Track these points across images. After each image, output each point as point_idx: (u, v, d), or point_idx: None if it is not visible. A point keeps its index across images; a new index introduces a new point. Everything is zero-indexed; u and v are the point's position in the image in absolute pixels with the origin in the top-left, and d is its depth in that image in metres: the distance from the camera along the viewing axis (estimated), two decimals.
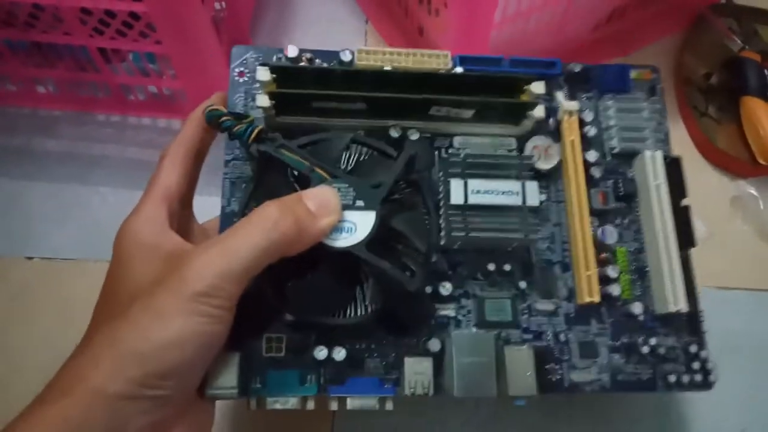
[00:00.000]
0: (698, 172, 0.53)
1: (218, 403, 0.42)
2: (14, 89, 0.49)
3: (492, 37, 0.42)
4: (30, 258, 0.45)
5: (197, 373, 0.27)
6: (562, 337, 0.33)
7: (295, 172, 0.31)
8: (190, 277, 0.25)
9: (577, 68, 0.36)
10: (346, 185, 0.29)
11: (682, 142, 0.53)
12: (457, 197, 0.32)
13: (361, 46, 0.35)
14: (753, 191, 0.49)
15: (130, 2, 0.39)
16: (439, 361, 0.31)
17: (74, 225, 0.47)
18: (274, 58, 0.36)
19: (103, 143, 0.50)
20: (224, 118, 0.30)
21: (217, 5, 0.49)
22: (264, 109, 0.33)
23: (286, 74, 0.32)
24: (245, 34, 0.53)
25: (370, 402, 0.31)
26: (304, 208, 0.27)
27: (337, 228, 0.29)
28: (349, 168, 0.32)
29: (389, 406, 0.31)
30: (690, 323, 0.34)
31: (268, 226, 0.26)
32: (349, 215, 0.29)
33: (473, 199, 0.32)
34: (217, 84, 0.39)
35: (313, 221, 0.27)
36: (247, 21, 0.54)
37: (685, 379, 0.33)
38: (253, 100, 0.35)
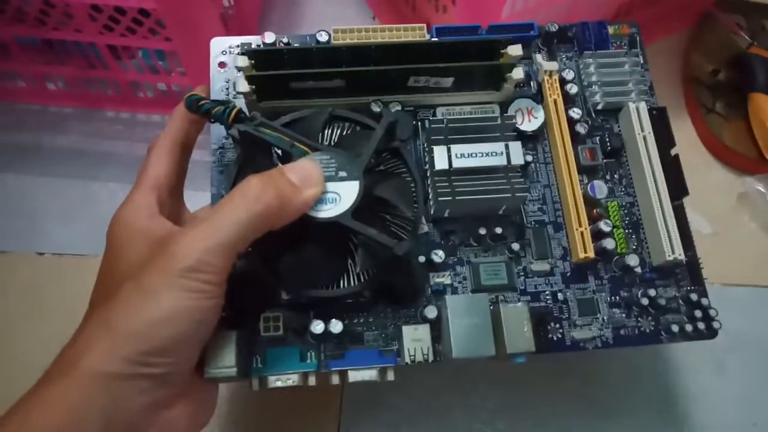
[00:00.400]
0: (705, 169, 0.53)
1: (228, 397, 0.42)
2: (24, 86, 0.50)
3: None
4: (41, 254, 0.46)
5: (193, 349, 0.27)
6: (560, 296, 0.33)
7: (279, 151, 0.32)
8: (177, 255, 0.25)
9: (554, 28, 0.37)
10: (328, 157, 0.30)
11: (689, 139, 0.54)
12: (441, 162, 0.32)
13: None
14: (760, 188, 0.49)
15: None
16: (437, 328, 0.31)
17: (83, 221, 0.48)
18: (253, 45, 0.36)
19: (112, 140, 0.50)
20: (203, 102, 0.30)
21: (225, 2, 0.49)
22: (245, 94, 0.33)
23: (263, 58, 0.33)
24: (253, 32, 0.53)
25: (370, 373, 0.31)
26: (286, 181, 0.27)
27: (321, 200, 0.29)
28: (333, 143, 0.33)
29: (390, 376, 0.31)
30: (689, 272, 0.34)
31: (250, 199, 0.26)
32: (333, 186, 0.29)
33: (458, 164, 0.32)
34: None
35: (296, 193, 0.28)
36: (255, 18, 0.55)
37: (689, 328, 0.32)
38: (236, 89, 0.35)
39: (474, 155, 0.32)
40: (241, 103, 0.34)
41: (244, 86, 0.32)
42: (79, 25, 0.43)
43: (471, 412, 0.43)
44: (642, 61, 0.37)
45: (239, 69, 0.33)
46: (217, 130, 0.35)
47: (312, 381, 0.31)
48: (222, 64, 0.36)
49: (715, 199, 0.51)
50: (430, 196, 0.33)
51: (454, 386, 0.44)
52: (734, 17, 0.53)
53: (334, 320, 0.31)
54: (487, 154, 0.32)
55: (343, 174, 0.29)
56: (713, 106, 0.52)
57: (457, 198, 0.32)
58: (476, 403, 0.44)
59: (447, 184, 0.32)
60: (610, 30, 0.37)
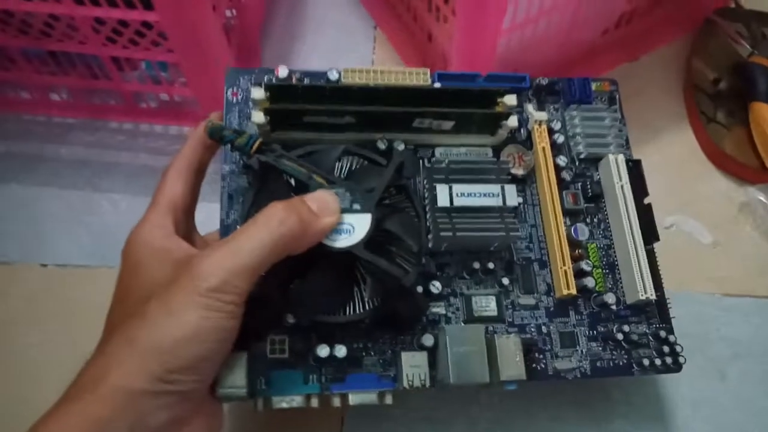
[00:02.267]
0: (706, 178, 0.53)
1: (229, 411, 0.43)
2: (28, 97, 0.50)
3: (500, 43, 0.43)
4: (44, 265, 0.46)
5: (214, 366, 0.28)
6: (543, 329, 0.36)
7: (292, 181, 0.33)
8: (202, 275, 0.26)
9: (545, 81, 0.40)
10: (343, 190, 0.32)
11: (690, 148, 0.53)
12: (443, 200, 0.35)
13: (367, 52, 0.37)
14: (761, 197, 0.49)
15: (143, 12, 0.40)
16: (433, 355, 0.33)
17: (86, 232, 0.47)
18: (265, 78, 0.38)
19: (115, 150, 0.51)
20: (226, 132, 0.32)
21: (228, 13, 0.50)
22: (259, 125, 0.35)
23: (279, 92, 0.35)
24: (255, 42, 0.54)
25: (370, 396, 0.32)
26: (307, 208, 0.29)
27: (336, 230, 0.31)
28: (343, 175, 0.35)
29: (389, 400, 0.33)
30: (659, 310, 0.37)
31: (274, 223, 0.28)
32: (347, 218, 0.31)
33: (458, 202, 0.35)
34: None
35: (316, 220, 0.29)
36: (258, 28, 0.55)
37: (657, 362, 0.36)
38: (248, 118, 0.37)
39: (473, 195, 0.35)
40: (252, 129, 0.36)
41: (259, 118, 0.34)
42: (83, 37, 0.43)
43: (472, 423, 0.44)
44: (620, 117, 0.41)
45: (255, 101, 0.34)
46: (228, 156, 0.36)
47: (315, 403, 0.32)
48: (234, 93, 0.38)
49: (716, 208, 0.51)
50: (431, 231, 0.35)
51: (454, 396, 0.44)
52: (735, 26, 0.53)
53: (338, 345, 0.32)
54: (484, 195, 0.35)
55: (356, 207, 0.31)
56: (714, 115, 0.51)
57: (457, 234, 0.34)
58: (476, 415, 0.44)
59: (448, 220, 0.34)
60: (593, 86, 0.41)
